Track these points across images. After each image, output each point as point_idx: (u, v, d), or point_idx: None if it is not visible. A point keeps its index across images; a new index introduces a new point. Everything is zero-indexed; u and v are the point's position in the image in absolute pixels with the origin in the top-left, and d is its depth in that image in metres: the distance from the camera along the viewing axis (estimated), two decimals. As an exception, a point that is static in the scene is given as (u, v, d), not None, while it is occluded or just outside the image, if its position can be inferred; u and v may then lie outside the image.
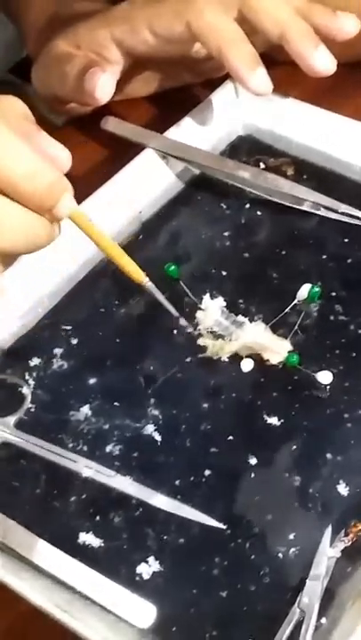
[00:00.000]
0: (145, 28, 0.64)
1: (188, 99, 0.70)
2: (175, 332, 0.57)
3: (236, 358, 0.56)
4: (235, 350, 0.56)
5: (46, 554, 0.47)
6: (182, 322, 0.57)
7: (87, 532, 0.49)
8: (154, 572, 0.48)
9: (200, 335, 0.57)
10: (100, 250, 0.51)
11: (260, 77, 0.61)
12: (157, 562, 0.48)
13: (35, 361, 0.57)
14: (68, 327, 0.58)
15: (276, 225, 0.64)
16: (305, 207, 0.63)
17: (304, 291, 0.58)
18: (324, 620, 0.45)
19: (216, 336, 0.56)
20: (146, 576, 0.48)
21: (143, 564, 0.48)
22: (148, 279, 0.54)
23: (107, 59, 0.66)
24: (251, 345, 0.56)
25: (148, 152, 0.65)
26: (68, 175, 0.67)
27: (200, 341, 0.56)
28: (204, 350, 0.56)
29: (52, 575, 0.46)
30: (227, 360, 0.56)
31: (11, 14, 0.80)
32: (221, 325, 0.57)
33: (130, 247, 0.62)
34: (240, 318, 0.57)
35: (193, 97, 0.71)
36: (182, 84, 0.74)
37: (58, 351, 0.57)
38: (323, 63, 0.61)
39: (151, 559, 0.48)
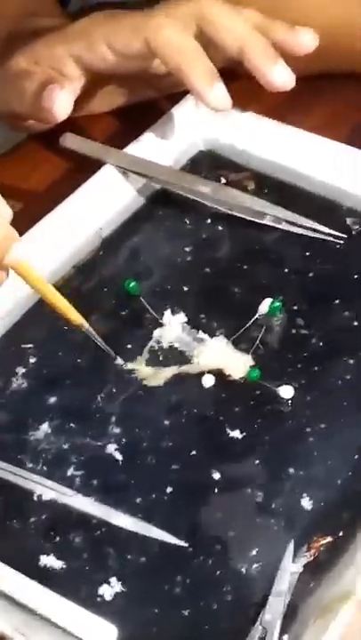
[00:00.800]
0: (103, 44, 0.64)
1: (147, 114, 0.70)
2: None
3: (197, 374, 0.55)
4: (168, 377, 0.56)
5: (2, 575, 0.46)
6: (119, 360, 0.57)
7: (48, 555, 0.48)
8: (116, 593, 0.47)
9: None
10: (39, 295, 0.54)
11: (218, 93, 0.61)
12: (120, 582, 0.47)
13: (-6, 380, 0.56)
14: (28, 345, 0.58)
15: (237, 239, 0.63)
16: (266, 221, 0.63)
17: (265, 305, 0.58)
18: (286, 637, 0.45)
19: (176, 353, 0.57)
20: (108, 597, 0.47)
21: (105, 585, 0.47)
22: (86, 324, 0.55)
23: (65, 75, 0.66)
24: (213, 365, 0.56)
25: (107, 168, 0.64)
26: (28, 192, 0.68)
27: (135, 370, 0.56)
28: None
29: (9, 597, 0.46)
30: (189, 375, 0.55)
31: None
32: (183, 341, 0.57)
33: (90, 264, 0.62)
34: (201, 334, 0.57)
35: (153, 112, 0.70)
36: (143, 99, 0.74)
37: (19, 370, 0.57)
38: (281, 78, 0.62)
39: (113, 580, 0.47)
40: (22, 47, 0.68)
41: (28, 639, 0.43)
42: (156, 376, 0.55)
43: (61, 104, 0.63)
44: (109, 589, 0.47)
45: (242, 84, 0.63)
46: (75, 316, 0.55)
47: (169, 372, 0.56)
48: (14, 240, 0.48)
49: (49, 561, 0.48)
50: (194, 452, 0.52)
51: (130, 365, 0.56)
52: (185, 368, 0.56)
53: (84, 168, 0.65)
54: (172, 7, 0.64)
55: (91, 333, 0.55)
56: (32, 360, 0.57)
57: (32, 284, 0.53)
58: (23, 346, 0.58)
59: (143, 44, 0.62)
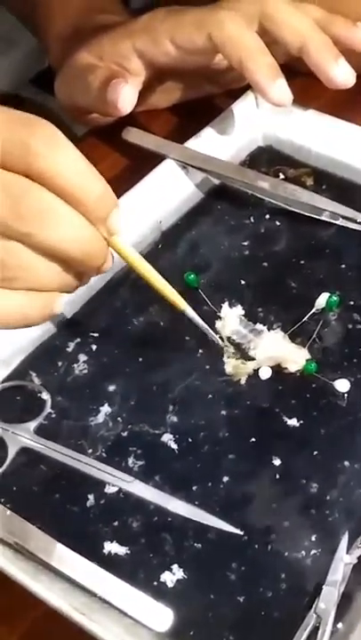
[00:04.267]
0: (166, 39, 0.65)
1: (208, 109, 0.71)
2: (192, 340, 0.58)
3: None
4: (252, 369, 0.56)
5: (64, 557, 0.47)
6: (219, 342, 0.57)
7: (111, 541, 0.49)
8: (177, 580, 0.48)
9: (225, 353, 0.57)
10: (141, 276, 0.51)
11: (279, 88, 0.61)
12: (181, 569, 0.48)
13: (56, 367, 0.57)
14: (90, 334, 0.59)
15: (294, 235, 0.64)
16: (324, 217, 0.64)
17: (322, 299, 0.58)
18: (340, 626, 0.46)
19: (236, 351, 0.57)
20: (170, 584, 0.48)
21: (167, 572, 0.48)
22: (190, 309, 0.54)
23: (129, 70, 0.67)
24: (269, 357, 0.56)
25: (168, 162, 0.65)
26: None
27: (226, 367, 0.57)
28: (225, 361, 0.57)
29: (70, 579, 0.47)
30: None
31: (32, 26, 0.81)
32: (240, 334, 0.58)
33: (150, 256, 0.63)
34: (258, 327, 0.58)
35: (213, 107, 0.71)
36: (203, 95, 0.75)
37: (81, 357, 0.58)
38: (342, 75, 0.62)
39: (175, 567, 0.49)
40: (87, 43, 0.69)
41: (87, 618, 0.44)
42: (239, 371, 0.56)
43: (126, 98, 0.64)
44: (171, 576, 0.48)
45: (301, 80, 0.64)
46: (178, 300, 0.53)
47: (250, 366, 0.56)
48: (116, 204, 0.46)
49: (113, 547, 0.49)
50: (253, 440, 0.53)
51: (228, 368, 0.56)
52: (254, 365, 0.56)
53: (145, 162, 0.66)
54: (235, 3, 0.64)
55: (194, 318, 0.55)
56: (93, 348, 0.58)
57: (130, 260, 0.50)
58: (85, 334, 0.59)
59: (206, 39, 0.63)
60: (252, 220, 0.65)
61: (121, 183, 0.64)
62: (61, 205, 0.43)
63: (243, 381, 0.56)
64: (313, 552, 0.48)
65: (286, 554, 0.49)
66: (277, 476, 0.51)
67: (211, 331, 0.56)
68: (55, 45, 0.75)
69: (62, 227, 0.44)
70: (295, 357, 0.56)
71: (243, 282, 0.61)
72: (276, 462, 0.52)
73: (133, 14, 0.73)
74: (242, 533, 0.49)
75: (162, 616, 0.46)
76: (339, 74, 0.62)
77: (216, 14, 0.63)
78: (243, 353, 0.57)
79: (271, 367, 0.56)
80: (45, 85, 0.78)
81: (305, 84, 0.64)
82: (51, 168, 0.43)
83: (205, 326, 0.55)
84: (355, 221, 0.63)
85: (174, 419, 0.54)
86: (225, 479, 0.52)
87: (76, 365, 0.57)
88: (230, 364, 0.56)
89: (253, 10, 0.64)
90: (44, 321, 0.47)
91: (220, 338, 0.57)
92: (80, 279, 0.47)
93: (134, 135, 0.69)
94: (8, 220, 0.43)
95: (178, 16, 0.65)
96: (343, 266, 0.61)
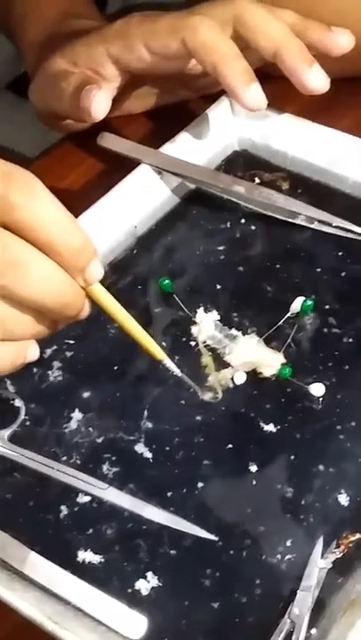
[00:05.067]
0: (141, 44, 0.65)
1: (183, 114, 0.71)
2: (167, 346, 0.57)
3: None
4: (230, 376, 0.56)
5: (38, 566, 0.47)
6: (199, 392, 0.56)
7: (85, 550, 0.49)
8: (152, 587, 0.48)
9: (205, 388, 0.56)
10: (121, 327, 0.51)
11: (254, 93, 0.61)
12: (155, 577, 0.48)
13: (31, 373, 0.57)
14: (65, 341, 0.59)
15: (270, 239, 0.64)
16: (299, 221, 0.64)
17: (297, 304, 0.59)
18: (314, 631, 0.46)
19: (212, 355, 0.57)
20: (144, 591, 0.48)
21: (142, 580, 0.48)
22: (168, 360, 0.53)
23: (103, 75, 0.67)
24: (245, 362, 0.56)
25: (143, 167, 0.65)
26: (65, 190, 0.69)
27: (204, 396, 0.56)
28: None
29: (43, 587, 0.47)
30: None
31: (8, 31, 0.81)
32: (215, 339, 0.58)
33: (125, 261, 0.63)
34: (234, 332, 0.58)
35: (188, 112, 0.71)
36: (179, 100, 0.75)
37: (55, 364, 0.58)
38: (316, 81, 0.62)
39: (150, 574, 0.48)
40: (61, 48, 0.69)
41: (60, 627, 0.44)
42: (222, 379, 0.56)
43: (99, 104, 0.64)
44: (146, 583, 0.48)
45: (278, 84, 0.64)
46: (156, 351, 0.52)
47: (228, 374, 0.56)
48: (96, 254, 0.46)
49: (87, 556, 0.49)
50: (229, 446, 0.53)
51: (206, 397, 0.56)
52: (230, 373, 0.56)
53: (120, 167, 0.66)
54: (209, 8, 0.65)
55: (173, 369, 0.54)
56: (68, 354, 0.58)
57: (108, 309, 0.49)
58: (61, 340, 0.59)
59: (180, 44, 0.63)
60: (227, 225, 0.65)
61: (96, 188, 0.64)
62: (37, 257, 0.43)
63: (219, 396, 0.56)
64: (288, 557, 0.48)
65: (261, 559, 0.48)
66: (253, 482, 0.51)
67: (190, 381, 0.55)
68: (30, 52, 0.75)
69: (37, 279, 0.43)
70: (270, 362, 0.56)
71: (218, 286, 0.61)
72: (253, 468, 0.52)
73: (109, 19, 0.73)
74: (217, 539, 0.49)
75: (136, 623, 0.46)
76: (312, 80, 0.62)
77: (190, 19, 0.63)
78: (219, 359, 0.57)
79: (246, 372, 0.56)
80: (22, 91, 0.78)
81: (280, 88, 0.64)
82: (28, 220, 0.42)
83: (185, 377, 0.54)
84: (330, 225, 0.63)
85: (149, 425, 0.54)
86: (200, 485, 0.51)
87: (50, 372, 0.57)
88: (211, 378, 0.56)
89: (227, 15, 0.64)
90: (16, 369, 0.47)
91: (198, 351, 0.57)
92: (55, 327, 0.47)
93: (109, 140, 0.69)
94: None
95: (152, 21, 0.65)
96: (318, 270, 0.62)
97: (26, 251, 0.43)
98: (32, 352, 0.47)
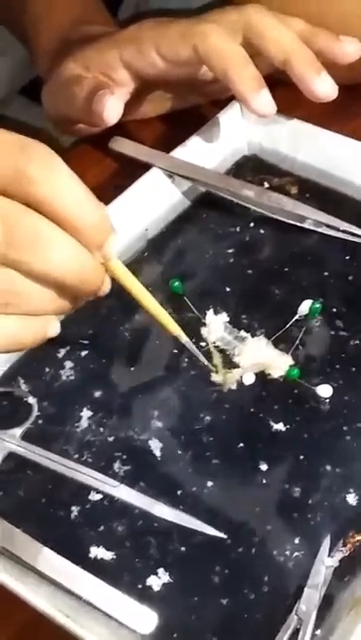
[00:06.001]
0: (152, 50, 0.66)
1: (194, 119, 0.72)
2: (178, 347, 0.58)
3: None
4: (239, 376, 0.57)
5: (50, 561, 0.48)
6: (210, 367, 0.57)
7: (98, 546, 0.50)
8: (163, 584, 0.49)
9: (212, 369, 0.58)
10: (137, 301, 0.52)
11: (263, 99, 0.62)
12: (167, 574, 0.49)
13: (44, 372, 0.58)
14: (79, 341, 0.60)
15: (278, 242, 0.65)
16: (307, 225, 0.64)
17: (305, 306, 0.59)
18: (320, 629, 0.46)
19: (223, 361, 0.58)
20: (156, 587, 0.49)
21: (153, 576, 0.49)
22: (184, 335, 0.55)
23: (115, 80, 0.68)
24: (253, 363, 0.57)
25: (154, 171, 0.66)
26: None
27: (214, 376, 0.57)
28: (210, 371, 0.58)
29: (56, 582, 0.48)
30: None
31: (20, 36, 0.82)
32: (225, 340, 0.59)
33: (136, 263, 0.64)
34: (243, 333, 0.59)
35: (199, 117, 0.72)
36: (190, 105, 0.76)
37: (67, 363, 0.59)
38: (324, 89, 0.63)
39: (161, 571, 0.49)
40: (74, 53, 0.70)
41: (72, 620, 0.45)
42: (227, 379, 0.57)
43: (112, 109, 0.65)
44: (157, 580, 0.49)
45: (286, 90, 0.65)
46: (172, 326, 0.54)
47: (236, 373, 0.57)
48: (113, 230, 0.46)
49: (99, 552, 0.50)
50: (239, 445, 0.54)
51: (215, 378, 0.57)
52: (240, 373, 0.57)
53: (132, 171, 0.66)
54: (220, 15, 0.65)
55: (189, 346, 0.55)
56: (82, 354, 0.59)
57: (126, 284, 0.50)
58: (75, 340, 0.60)
59: (191, 50, 0.64)
60: (237, 229, 0.66)
61: (108, 191, 0.65)
62: (56, 232, 0.44)
63: (233, 387, 0.56)
64: (295, 555, 0.49)
65: (269, 557, 0.49)
66: (262, 481, 0.52)
67: (202, 356, 0.56)
68: (43, 57, 0.75)
69: (57, 254, 0.44)
70: (279, 363, 0.57)
71: (227, 289, 0.62)
72: (262, 467, 0.53)
73: (121, 25, 0.74)
74: (225, 537, 0.50)
75: (146, 619, 0.47)
76: (321, 88, 0.63)
77: (201, 26, 0.64)
78: (227, 360, 0.58)
79: (255, 373, 0.57)
80: (34, 96, 0.79)
81: (290, 94, 0.65)
82: (48, 195, 0.43)
83: (197, 351, 0.56)
84: (338, 229, 0.64)
85: (159, 424, 0.55)
86: (209, 484, 0.52)
87: (62, 372, 0.58)
88: (218, 374, 0.57)
89: (238, 22, 0.65)
90: (37, 344, 0.48)
91: (207, 351, 0.58)
92: (75, 303, 0.48)
93: (121, 144, 0.70)
94: (2, 248, 0.43)
95: (163, 27, 0.66)
96: (326, 273, 0.62)
97: (44, 226, 0.43)
98: (53, 328, 0.48)
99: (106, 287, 0.48)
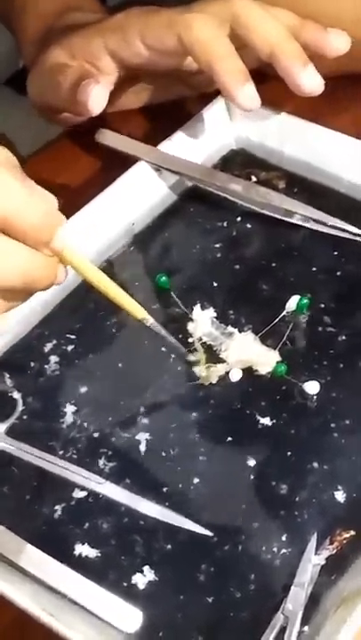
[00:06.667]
0: (137, 39, 0.65)
1: (181, 112, 0.71)
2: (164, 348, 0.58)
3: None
4: (224, 371, 0.57)
5: (34, 559, 0.48)
6: (190, 357, 0.57)
7: (82, 543, 0.50)
8: (148, 582, 0.48)
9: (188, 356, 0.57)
10: (96, 288, 0.51)
11: (248, 93, 0.62)
12: (152, 571, 0.49)
13: (29, 367, 0.58)
14: (66, 335, 0.59)
15: (266, 237, 0.64)
16: (295, 220, 0.64)
17: (293, 302, 0.59)
18: (307, 627, 0.46)
19: (207, 352, 0.57)
20: (141, 586, 0.48)
21: (138, 574, 0.49)
22: (150, 317, 0.54)
23: (100, 69, 0.67)
24: (240, 360, 0.57)
25: (141, 164, 0.66)
26: (62, 186, 0.69)
27: (196, 370, 0.57)
28: (194, 364, 0.57)
29: (40, 580, 0.47)
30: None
31: (8, 23, 0.81)
32: (212, 336, 0.58)
33: (122, 258, 0.64)
34: (230, 329, 0.58)
35: (187, 110, 0.72)
36: (176, 97, 0.75)
37: (52, 358, 0.58)
38: (310, 83, 0.62)
39: (146, 568, 0.49)
40: (59, 40, 0.69)
41: (56, 619, 0.44)
42: (210, 374, 0.56)
43: (96, 98, 0.64)
44: (142, 578, 0.49)
45: (274, 84, 0.64)
46: (136, 310, 0.53)
47: (221, 369, 0.56)
48: (60, 223, 0.46)
49: (84, 550, 0.50)
50: (227, 440, 0.54)
51: (191, 357, 0.57)
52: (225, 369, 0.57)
53: (118, 164, 0.66)
54: (207, 5, 0.65)
55: (155, 327, 0.54)
56: (67, 348, 0.58)
57: (83, 273, 0.50)
58: (61, 334, 0.59)
59: (176, 40, 0.63)
60: (224, 223, 0.65)
61: (94, 185, 0.65)
62: None
63: (214, 382, 0.56)
64: (282, 553, 0.49)
65: (255, 555, 0.49)
66: (251, 477, 0.52)
67: (171, 337, 0.56)
68: (30, 46, 0.75)
69: (1, 266, 0.43)
70: (266, 359, 0.57)
71: (215, 284, 0.62)
72: (249, 463, 0.52)
73: (110, 12, 0.73)
74: (212, 535, 0.50)
75: (131, 617, 0.46)
76: (306, 81, 0.62)
77: (187, 16, 0.63)
78: (214, 355, 0.57)
79: (242, 369, 0.56)
80: (20, 87, 0.78)
81: (278, 88, 0.64)
82: None
83: (166, 333, 0.55)
84: (325, 224, 0.63)
85: (145, 421, 0.55)
86: (195, 481, 0.52)
87: (47, 366, 0.57)
88: (201, 369, 0.57)
89: (225, 13, 0.64)
90: None
91: (189, 343, 0.57)
92: (28, 296, 0.47)
93: (108, 137, 0.69)
94: None
95: (149, 16, 0.65)
96: (314, 269, 0.62)
97: None
98: (2, 325, 0.48)
99: (60, 278, 0.48)
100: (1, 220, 0.43)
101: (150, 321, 0.54)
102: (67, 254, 0.47)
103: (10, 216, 0.43)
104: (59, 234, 0.45)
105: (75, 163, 0.71)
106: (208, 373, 0.56)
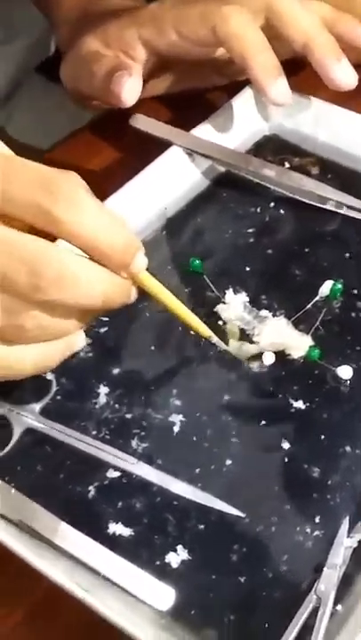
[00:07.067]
0: (172, 29, 0.65)
1: (215, 98, 0.71)
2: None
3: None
4: (257, 351, 0.57)
5: (68, 536, 0.48)
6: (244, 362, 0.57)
7: (116, 522, 0.50)
8: (182, 561, 0.49)
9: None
10: (166, 309, 0.52)
11: (279, 88, 0.62)
12: (185, 551, 0.49)
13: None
14: (95, 318, 0.59)
15: (299, 223, 0.65)
16: (328, 206, 0.64)
17: (326, 287, 0.59)
18: (339, 607, 0.46)
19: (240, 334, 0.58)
20: (174, 564, 0.48)
21: (172, 553, 0.49)
22: (214, 335, 0.55)
23: (134, 58, 0.67)
24: (273, 343, 0.57)
25: (174, 149, 0.66)
26: (95, 171, 0.70)
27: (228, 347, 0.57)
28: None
29: (73, 557, 0.47)
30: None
31: (42, 7, 0.81)
32: (244, 320, 0.58)
33: (155, 242, 0.64)
34: (263, 313, 0.58)
35: (220, 96, 0.72)
36: (209, 85, 0.75)
37: (86, 340, 0.58)
38: (343, 77, 0.63)
39: (180, 548, 0.49)
40: (94, 27, 0.69)
41: (90, 595, 0.44)
42: (243, 351, 0.57)
43: (130, 90, 0.65)
44: (176, 557, 0.49)
45: (308, 70, 0.64)
46: (202, 329, 0.54)
47: (254, 348, 0.57)
48: (139, 248, 0.47)
49: (117, 528, 0.50)
50: (261, 423, 0.54)
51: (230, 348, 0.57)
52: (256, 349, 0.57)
53: (151, 149, 0.66)
54: None
55: (219, 345, 0.56)
56: (102, 330, 0.59)
57: (155, 295, 0.51)
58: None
59: (210, 31, 0.63)
60: (257, 209, 0.66)
61: (127, 169, 0.65)
62: (81, 266, 0.44)
63: (246, 364, 0.56)
64: (315, 534, 0.49)
65: (288, 536, 0.49)
66: (283, 460, 0.52)
67: (231, 354, 0.57)
68: (63, 27, 0.75)
69: (83, 288, 0.44)
70: (299, 344, 0.57)
71: (247, 269, 0.62)
72: (284, 446, 0.52)
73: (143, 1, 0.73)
74: (244, 516, 0.50)
75: (164, 595, 0.47)
76: (340, 75, 0.62)
77: (222, 8, 0.63)
78: (246, 340, 0.57)
79: (274, 353, 0.56)
80: (51, 73, 0.79)
81: (311, 74, 0.65)
82: (75, 231, 0.43)
83: (229, 351, 0.56)
84: (359, 211, 0.63)
85: (178, 402, 0.55)
86: (228, 462, 0.52)
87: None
88: (234, 344, 0.57)
89: (260, 4, 0.64)
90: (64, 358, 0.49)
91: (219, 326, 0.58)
92: (101, 315, 0.49)
93: (141, 122, 0.69)
94: (27, 290, 0.43)
95: (185, 7, 0.65)
96: (347, 254, 0.62)
97: (68, 262, 0.43)
98: (79, 342, 0.49)
99: (133, 298, 0.49)
100: (91, 248, 0.44)
101: (215, 339, 0.55)
102: (143, 277, 0.48)
103: (99, 244, 0.44)
104: (138, 257, 0.46)
105: (108, 146, 0.72)
106: (241, 350, 0.56)
